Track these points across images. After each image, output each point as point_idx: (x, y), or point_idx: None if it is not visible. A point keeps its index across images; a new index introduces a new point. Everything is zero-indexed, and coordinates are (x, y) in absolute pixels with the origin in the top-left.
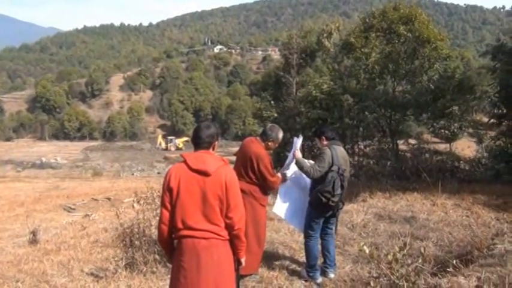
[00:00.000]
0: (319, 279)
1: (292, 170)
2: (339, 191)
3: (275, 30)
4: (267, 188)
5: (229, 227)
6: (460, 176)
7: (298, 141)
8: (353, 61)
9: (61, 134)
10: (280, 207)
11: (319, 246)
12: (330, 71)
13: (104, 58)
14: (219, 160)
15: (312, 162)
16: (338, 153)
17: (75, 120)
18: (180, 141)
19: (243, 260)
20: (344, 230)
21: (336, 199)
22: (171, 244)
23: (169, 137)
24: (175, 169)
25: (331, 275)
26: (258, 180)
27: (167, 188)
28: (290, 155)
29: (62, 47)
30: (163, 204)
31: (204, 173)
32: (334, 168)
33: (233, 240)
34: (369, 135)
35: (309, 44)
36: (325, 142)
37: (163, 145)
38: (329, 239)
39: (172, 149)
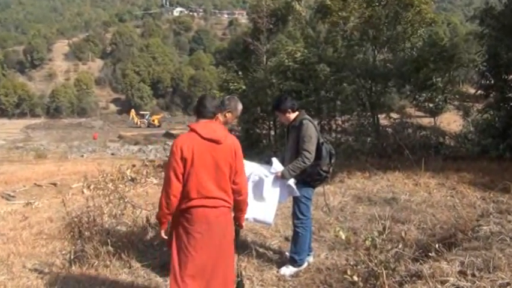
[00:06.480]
0: (306, 265)
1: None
2: (333, 161)
3: None
4: None
5: (236, 192)
6: (444, 152)
7: (276, 163)
8: (329, 26)
9: None
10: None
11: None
12: (303, 37)
13: (45, 22)
14: (224, 128)
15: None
16: (315, 124)
17: (13, 94)
18: (155, 117)
19: (244, 224)
20: (319, 214)
21: (330, 170)
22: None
23: (142, 112)
24: (186, 139)
25: (311, 259)
26: None
27: (181, 158)
28: (271, 180)
29: None
30: (176, 176)
31: (216, 142)
32: (321, 139)
33: (239, 205)
34: (348, 109)
35: (280, 6)
36: (292, 115)
37: (136, 120)
38: None
39: (143, 126)
